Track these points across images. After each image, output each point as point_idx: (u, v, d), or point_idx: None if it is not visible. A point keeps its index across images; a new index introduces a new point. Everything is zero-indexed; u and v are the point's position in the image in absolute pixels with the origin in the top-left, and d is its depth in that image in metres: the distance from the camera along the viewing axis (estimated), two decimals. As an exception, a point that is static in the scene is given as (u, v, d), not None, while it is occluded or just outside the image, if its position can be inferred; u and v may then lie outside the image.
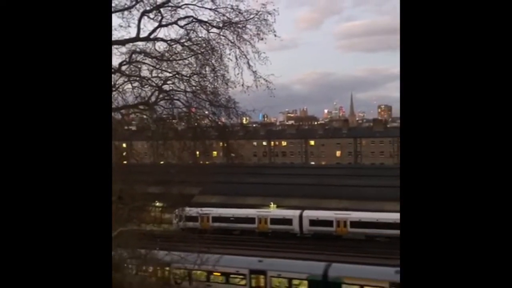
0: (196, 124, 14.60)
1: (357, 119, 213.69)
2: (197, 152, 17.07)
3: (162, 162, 17.49)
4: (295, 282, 25.75)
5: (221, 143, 16.48)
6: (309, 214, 41.57)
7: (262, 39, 11.54)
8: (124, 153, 19.53)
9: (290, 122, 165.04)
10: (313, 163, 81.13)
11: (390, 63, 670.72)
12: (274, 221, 42.21)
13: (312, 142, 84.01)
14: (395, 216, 38.78)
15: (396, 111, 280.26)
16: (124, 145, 19.60)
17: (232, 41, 11.56)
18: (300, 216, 41.48)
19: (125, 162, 19.13)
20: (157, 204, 26.54)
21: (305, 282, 25.18)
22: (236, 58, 11.61)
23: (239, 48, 11.56)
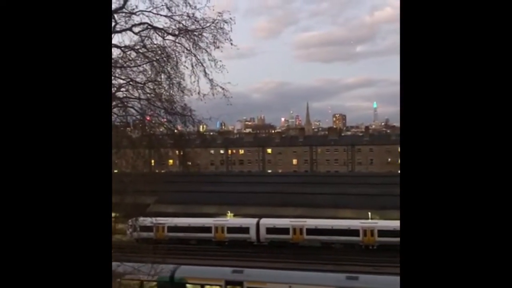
0: (151, 132, 14.34)
1: (313, 127, 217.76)
2: (152, 161, 16.75)
3: (115, 171, 17.02)
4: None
5: (177, 152, 16.25)
6: (266, 222, 41.71)
7: (218, 47, 11.52)
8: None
9: (248, 130, 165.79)
10: (270, 171, 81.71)
11: (344, 73, 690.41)
12: (231, 229, 42.02)
13: (269, 150, 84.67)
14: (348, 223, 39.68)
15: (350, 119, 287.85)
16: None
17: (188, 48, 11.48)
18: (257, 224, 41.54)
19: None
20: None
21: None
22: (192, 66, 11.52)
23: (195, 55, 11.49)
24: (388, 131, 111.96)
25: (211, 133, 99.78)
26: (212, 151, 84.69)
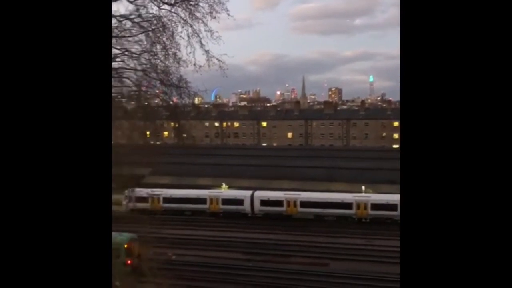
0: (146, 103, 14.26)
1: (308, 101, 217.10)
2: (147, 132, 16.75)
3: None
4: None
5: (172, 124, 16.23)
6: (260, 194, 42.12)
7: (215, 17, 11.37)
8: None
9: (243, 103, 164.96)
10: (265, 144, 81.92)
11: (341, 46, 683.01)
12: (226, 201, 42.43)
13: (264, 124, 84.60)
14: (342, 196, 40.13)
15: (346, 93, 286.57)
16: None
17: (184, 18, 11.31)
18: (252, 197, 41.95)
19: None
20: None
21: None
22: (188, 37, 11.38)
23: (191, 26, 11.33)
24: (384, 105, 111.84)
25: (206, 106, 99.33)
26: (207, 124, 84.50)
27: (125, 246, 23.72)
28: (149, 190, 35.69)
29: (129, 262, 22.48)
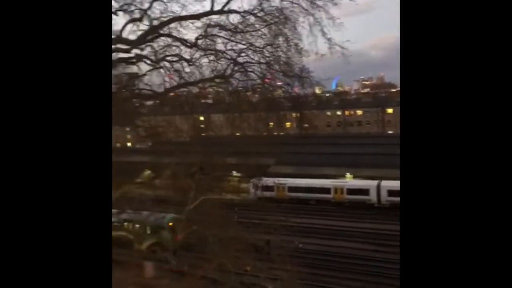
0: (269, 95, 14.68)
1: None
2: (271, 123, 17.25)
3: (238, 134, 17.93)
4: None
5: (294, 114, 16.46)
6: (388, 184, 40.46)
7: (336, 4, 11.19)
8: (202, 126, 20.27)
9: (366, 90, 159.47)
10: (391, 132, 78.30)
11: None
12: (351, 191, 41.72)
13: (389, 110, 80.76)
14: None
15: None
16: (201, 118, 20.32)
17: (306, 8, 11.34)
18: (378, 186, 40.59)
19: (203, 134, 19.89)
20: (235, 174, 27.42)
21: None
22: (310, 26, 11.39)
23: (312, 15, 11.32)
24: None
25: (327, 95, 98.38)
26: (328, 113, 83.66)
27: (169, 224, 26.45)
28: (274, 179, 36.77)
29: (177, 238, 25.04)
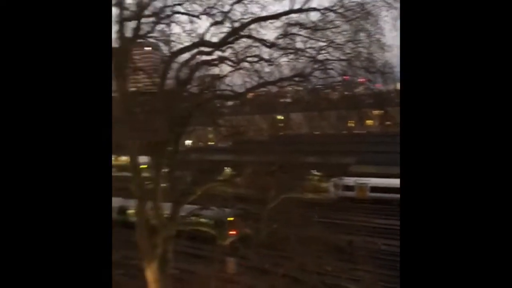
0: (350, 92, 14.35)
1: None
2: (351, 121, 16.85)
3: (317, 132, 17.77)
4: None
5: (376, 111, 15.93)
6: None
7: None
8: (281, 125, 20.38)
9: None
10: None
11: None
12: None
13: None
14: None
15: None
16: (280, 117, 20.43)
17: (388, 1, 10.91)
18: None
19: (281, 133, 19.99)
20: (315, 173, 27.23)
21: None
22: (393, 20, 10.93)
23: (396, 8, 10.86)
24: None
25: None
26: (413, 110, 79.84)
27: (229, 219, 27.01)
28: (355, 179, 35.94)
29: (232, 232, 26.23)
